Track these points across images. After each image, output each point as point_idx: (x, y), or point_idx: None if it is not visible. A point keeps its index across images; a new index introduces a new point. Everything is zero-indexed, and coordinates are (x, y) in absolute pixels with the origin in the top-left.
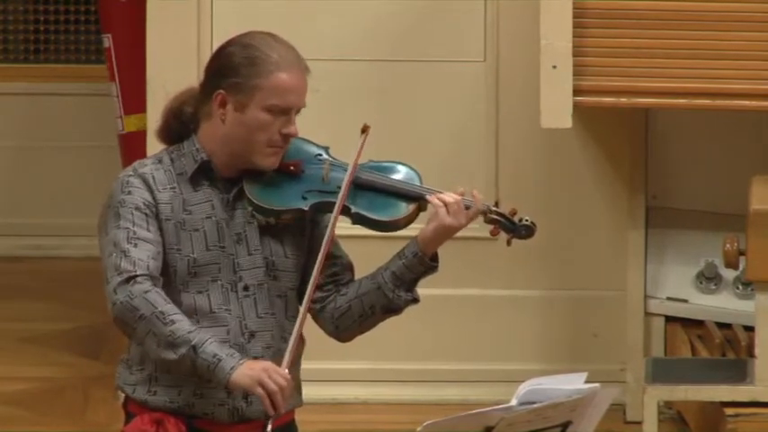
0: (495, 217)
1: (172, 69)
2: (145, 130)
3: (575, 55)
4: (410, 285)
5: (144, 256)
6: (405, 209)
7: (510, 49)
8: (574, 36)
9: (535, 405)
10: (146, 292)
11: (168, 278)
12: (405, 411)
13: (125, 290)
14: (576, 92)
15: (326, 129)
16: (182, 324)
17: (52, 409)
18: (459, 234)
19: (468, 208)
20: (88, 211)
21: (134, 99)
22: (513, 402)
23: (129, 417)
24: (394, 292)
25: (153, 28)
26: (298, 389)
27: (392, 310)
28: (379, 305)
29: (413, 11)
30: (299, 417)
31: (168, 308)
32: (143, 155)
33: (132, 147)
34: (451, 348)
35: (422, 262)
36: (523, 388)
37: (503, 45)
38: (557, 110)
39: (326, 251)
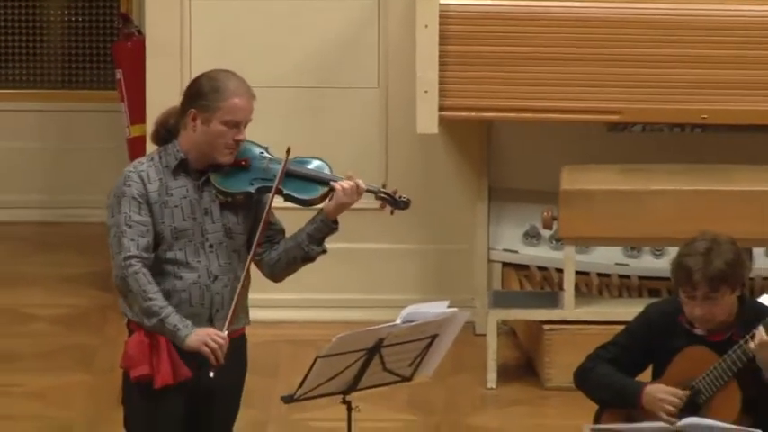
0: (383, 196)
1: (163, 93)
2: (145, 135)
3: (440, 83)
4: (320, 241)
5: (135, 235)
6: (319, 191)
7: (396, 78)
8: (440, 70)
9: (413, 323)
10: (136, 273)
11: (160, 243)
12: (323, 328)
13: (123, 268)
14: (441, 108)
15: (265, 136)
16: (156, 301)
17: (80, 326)
18: (364, 207)
19: (358, 187)
20: (105, 190)
21: (137, 114)
22: (398, 321)
23: (130, 332)
24: (309, 246)
25: (151, 65)
26: (245, 312)
27: (308, 258)
28: (299, 256)
29: (325, 51)
30: (248, 331)
31: (149, 288)
32: (143, 153)
33: (136, 147)
34: (356, 284)
35: (327, 225)
36: (405, 311)
37: (391, 76)
38: (428, 121)
39: (265, 222)
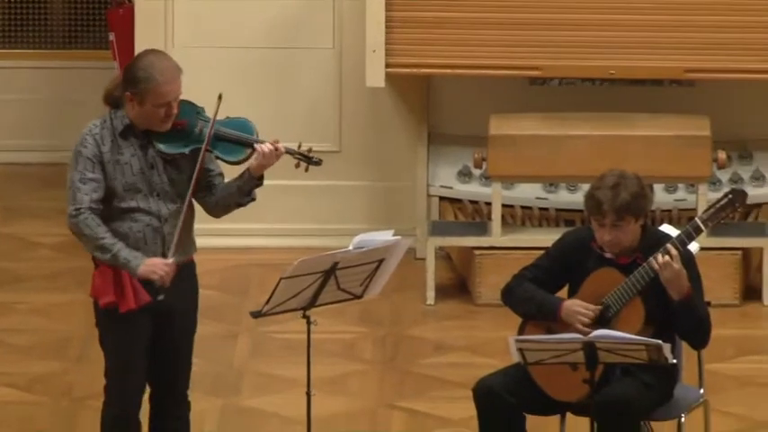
0: (298, 156)
1: None
2: None
3: (386, 44)
4: (249, 192)
5: (88, 190)
6: (244, 153)
7: (349, 40)
8: (386, 33)
9: (363, 249)
10: (85, 219)
11: (114, 196)
12: (286, 253)
13: (74, 217)
14: (387, 66)
15: (234, 90)
16: (106, 240)
17: (78, 252)
18: (324, 150)
19: (277, 151)
20: None
21: None
22: (351, 247)
23: (96, 265)
24: (239, 196)
25: (139, 29)
26: (192, 243)
27: (240, 205)
28: (233, 202)
29: (287, 16)
30: (213, 257)
31: (98, 230)
32: None
33: None
34: (315, 215)
35: (252, 181)
36: (357, 239)
37: (345, 38)
38: (376, 76)
39: (195, 181)
